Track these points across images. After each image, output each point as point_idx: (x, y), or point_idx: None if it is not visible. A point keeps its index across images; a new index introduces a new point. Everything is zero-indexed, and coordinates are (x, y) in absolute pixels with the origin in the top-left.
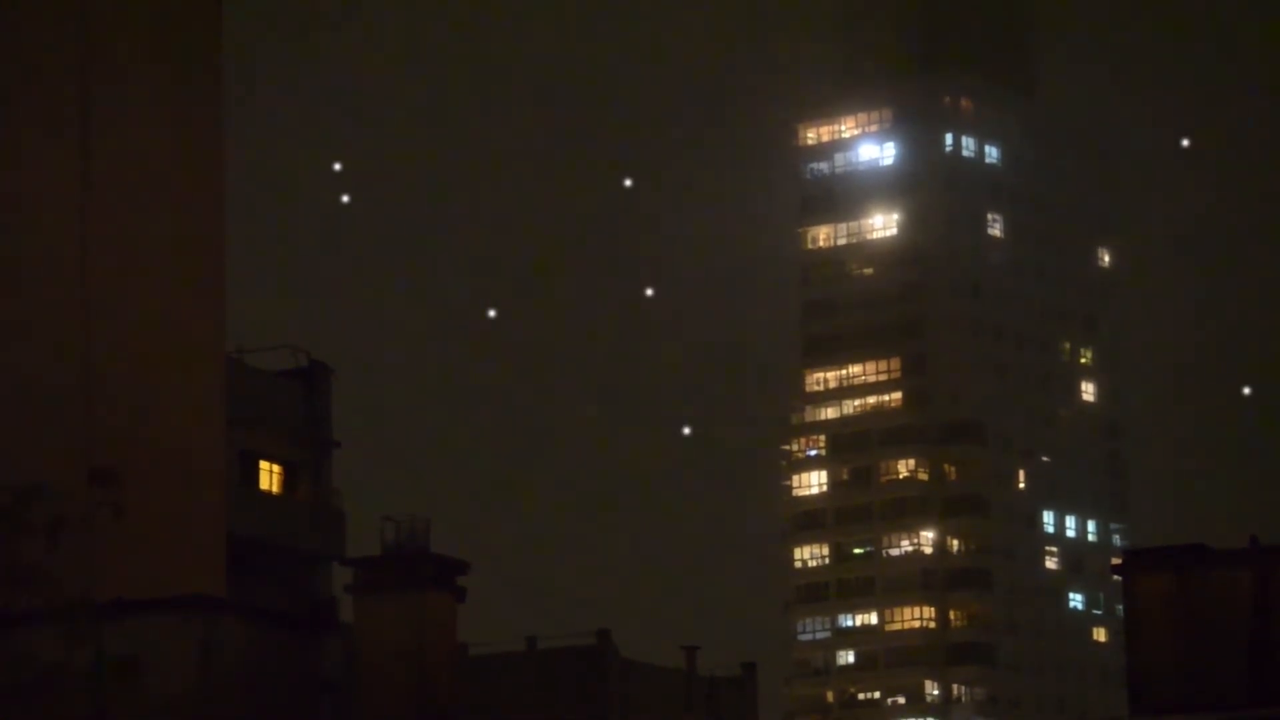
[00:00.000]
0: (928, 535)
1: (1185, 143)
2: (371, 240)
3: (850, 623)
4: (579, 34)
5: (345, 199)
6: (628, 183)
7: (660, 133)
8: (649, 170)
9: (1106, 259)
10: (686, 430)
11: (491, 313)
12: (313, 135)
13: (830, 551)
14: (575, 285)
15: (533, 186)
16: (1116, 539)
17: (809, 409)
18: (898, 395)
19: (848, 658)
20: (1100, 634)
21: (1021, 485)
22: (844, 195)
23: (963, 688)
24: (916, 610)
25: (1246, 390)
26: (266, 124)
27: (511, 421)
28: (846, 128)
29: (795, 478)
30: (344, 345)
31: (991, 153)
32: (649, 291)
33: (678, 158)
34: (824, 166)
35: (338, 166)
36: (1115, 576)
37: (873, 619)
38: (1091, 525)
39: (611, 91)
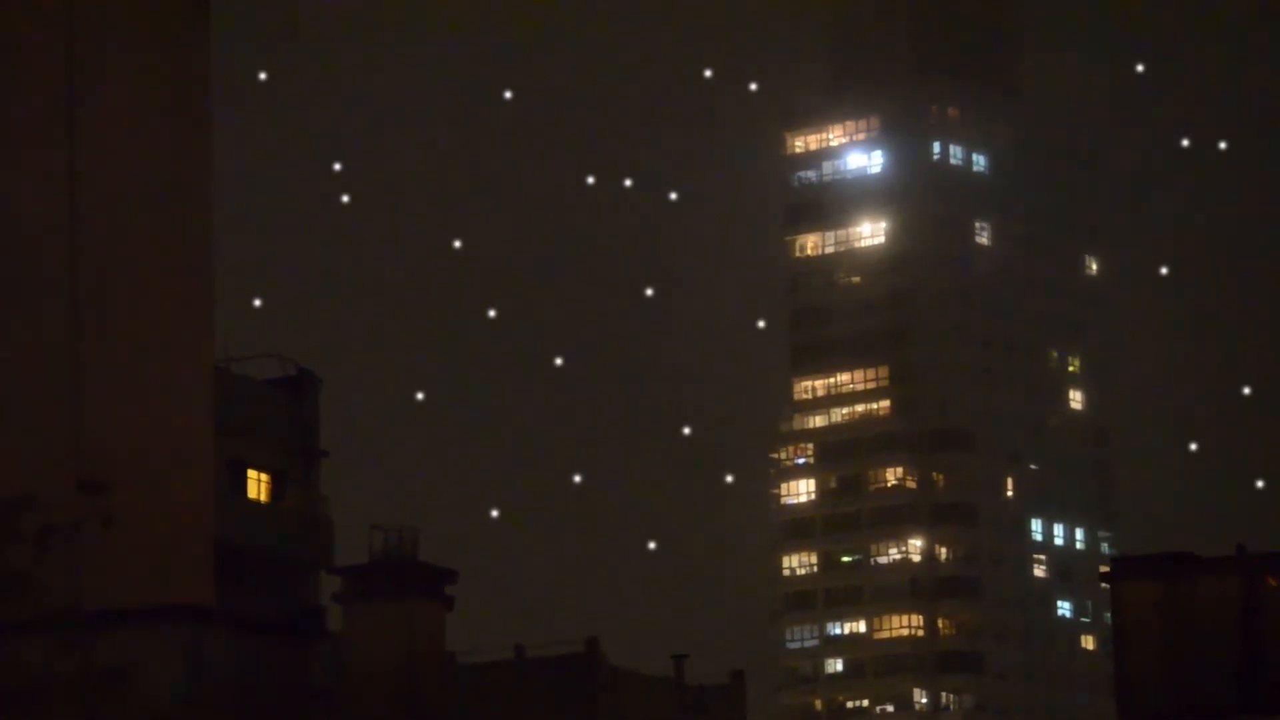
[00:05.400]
0: (916, 543)
1: (1185, 143)
2: (362, 246)
3: (839, 631)
4: (577, 36)
5: (345, 199)
6: (628, 183)
7: (652, 137)
8: (644, 172)
9: (1094, 267)
10: (686, 430)
11: (491, 312)
12: (313, 135)
13: (818, 560)
14: (573, 288)
15: (531, 187)
16: (1105, 546)
17: (797, 417)
18: (886, 403)
19: (836, 666)
20: (1089, 642)
21: (1010, 493)
22: (832, 203)
23: (951, 696)
24: (905, 618)
25: (1246, 390)
26: (264, 124)
27: (502, 428)
28: (834, 136)
29: (784, 486)
30: (332, 353)
31: (979, 160)
32: (649, 291)
33: (669, 162)
34: (812, 174)
35: (338, 166)
36: (1103, 584)
37: (861, 627)
38: (1080, 533)
39: (605, 94)
